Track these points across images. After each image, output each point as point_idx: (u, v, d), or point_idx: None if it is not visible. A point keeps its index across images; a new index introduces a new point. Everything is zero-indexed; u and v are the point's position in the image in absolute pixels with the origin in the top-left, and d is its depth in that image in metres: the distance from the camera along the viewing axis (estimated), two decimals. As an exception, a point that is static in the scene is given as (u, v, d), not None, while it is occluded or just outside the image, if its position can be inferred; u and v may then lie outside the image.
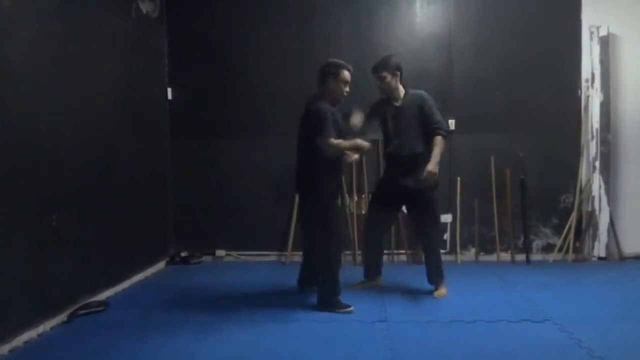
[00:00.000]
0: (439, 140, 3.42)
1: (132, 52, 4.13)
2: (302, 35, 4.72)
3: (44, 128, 2.99)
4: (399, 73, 3.50)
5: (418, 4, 4.66)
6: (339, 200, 3.73)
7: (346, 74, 3.23)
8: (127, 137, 3.98)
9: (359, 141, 3.19)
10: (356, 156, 3.27)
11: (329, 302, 3.24)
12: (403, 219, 4.48)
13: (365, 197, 4.57)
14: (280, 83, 4.71)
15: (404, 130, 3.51)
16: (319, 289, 3.32)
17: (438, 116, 3.47)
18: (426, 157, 3.40)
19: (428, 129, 3.47)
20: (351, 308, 3.23)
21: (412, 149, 3.49)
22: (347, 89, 3.29)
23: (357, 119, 3.48)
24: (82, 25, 3.41)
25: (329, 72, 3.21)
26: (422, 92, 3.55)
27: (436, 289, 3.58)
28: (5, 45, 2.69)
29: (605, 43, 4.49)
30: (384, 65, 3.48)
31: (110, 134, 3.73)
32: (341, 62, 3.26)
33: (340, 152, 3.16)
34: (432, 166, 3.33)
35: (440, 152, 3.40)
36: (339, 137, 3.18)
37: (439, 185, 3.60)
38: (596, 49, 4.50)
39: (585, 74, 4.58)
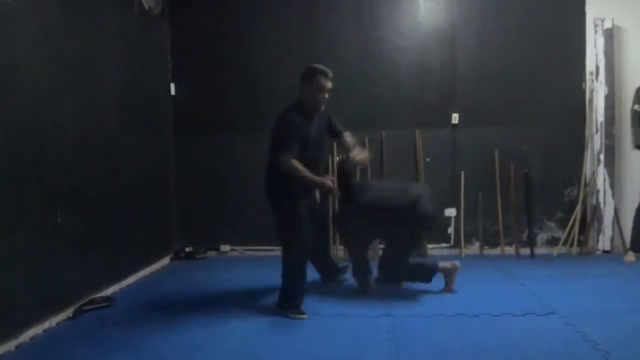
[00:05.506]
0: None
1: (135, 48, 4.13)
2: (305, 31, 4.71)
3: (47, 124, 3.00)
4: None
5: (421, -2, 4.64)
6: (316, 200, 3.50)
7: (322, 81, 2.99)
8: (130, 133, 3.99)
9: (329, 182, 3.05)
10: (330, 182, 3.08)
11: (287, 304, 3.13)
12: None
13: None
14: (283, 79, 4.67)
15: None
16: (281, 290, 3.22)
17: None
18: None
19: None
20: (305, 315, 3.04)
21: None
22: (323, 96, 3.04)
23: (349, 139, 3.32)
24: (85, 22, 3.42)
25: (302, 79, 3.06)
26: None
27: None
28: (8, 42, 2.69)
29: (610, 36, 4.46)
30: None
31: (114, 130, 3.74)
32: (319, 67, 3.03)
33: (301, 179, 2.96)
34: None
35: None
36: (307, 148, 3.02)
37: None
38: (601, 41, 4.47)
39: (589, 66, 4.54)
